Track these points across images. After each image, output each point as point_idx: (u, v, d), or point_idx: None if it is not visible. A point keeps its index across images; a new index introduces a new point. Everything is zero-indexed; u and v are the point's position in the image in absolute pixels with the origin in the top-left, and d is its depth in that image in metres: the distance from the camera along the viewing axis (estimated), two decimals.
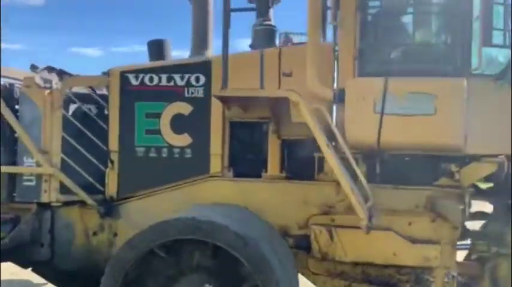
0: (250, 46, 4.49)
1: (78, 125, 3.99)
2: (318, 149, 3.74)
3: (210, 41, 4.64)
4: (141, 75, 3.98)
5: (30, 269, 4.19)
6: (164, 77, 3.96)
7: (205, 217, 2.94)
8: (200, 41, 4.59)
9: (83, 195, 3.92)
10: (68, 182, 3.90)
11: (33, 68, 4.54)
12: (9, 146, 3.99)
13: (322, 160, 3.75)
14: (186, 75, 3.93)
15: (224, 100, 3.64)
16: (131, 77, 4.00)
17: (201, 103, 3.90)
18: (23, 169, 3.94)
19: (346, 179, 2.98)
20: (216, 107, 3.88)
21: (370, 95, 3.28)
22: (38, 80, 3.96)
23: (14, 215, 3.89)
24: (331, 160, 3.01)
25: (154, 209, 3.89)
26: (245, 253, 2.84)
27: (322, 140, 3.01)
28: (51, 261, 4.01)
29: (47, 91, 3.95)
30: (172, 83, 3.95)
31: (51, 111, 3.94)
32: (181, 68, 3.96)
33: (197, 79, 3.92)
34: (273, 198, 3.74)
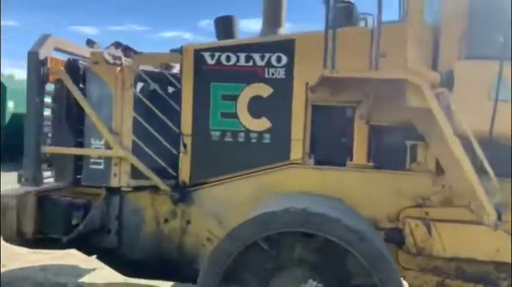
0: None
1: (150, 105, 3.74)
2: (411, 137, 3.56)
3: (283, 18, 4.34)
4: (217, 54, 3.72)
5: (94, 256, 4.00)
6: (242, 56, 3.69)
7: (315, 209, 2.70)
8: (273, 17, 4.29)
9: (156, 180, 3.69)
10: (141, 166, 3.67)
11: (90, 43, 4.29)
12: (74, 127, 3.76)
13: (415, 148, 3.53)
14: (267, 55, 3.66)
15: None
16: (207, 55, 3.74)
17: (282, 85, 3.65)
18: (92, 151, 3.72)
19: (473, 172, 2.73)
20: (299, 89, 3.63)
21: (484, 79, 3.01)
22: (106, 55, 3.70)
23: (86, 200, 3.67)
24: (458, 151, 2.75)
25: (229, 196, 3.69)
26: (361, 248, 2.62)
27: (448, 128, 2.75)
28: (118, 249, 3.81)
29: (118, 68, 3.70)
30: (251, 63, 3.69)
31: (122, 90, 3.69)
32: (262, 47, 3.69)
33: (278, 59, 3.65)
34: (362, 188, 3.50)
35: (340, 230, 2.63)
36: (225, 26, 4.31)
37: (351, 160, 3.62)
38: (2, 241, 3.63)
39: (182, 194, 3.71)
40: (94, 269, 5.09)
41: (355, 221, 2.78)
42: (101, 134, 3.70)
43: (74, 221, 3.51)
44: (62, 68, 3.72)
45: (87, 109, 3.67)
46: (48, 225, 3.55)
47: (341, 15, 4.06)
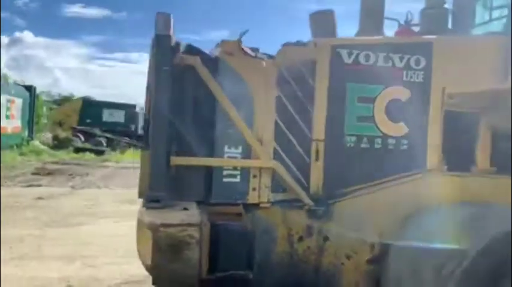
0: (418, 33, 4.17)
1: (290, 108, 3.22)
2: None
3: (382, 16, 4.13)
4: (355, 52, 3.38)
5: None
6: (381, 56, 3.43)
7: None
8: (372, 16, 4.05)
9: (300, 193, 3.20)
10: (288, 178, 3.14)
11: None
12: (203, 131, 3.03)
13: None
14: (406, 56, 3.46)
15: None
16: (344, 53, 3.37)
17: (420, 88, 3.50)
18: (239, 162, 3.04)
19: None
20: (436, 94, 3.52)
21: None
22: (244, 46, 3.06)
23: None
24: None
25: (369, 208, 3.40)
26: None
27: None
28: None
29: (262, 62, 3.08)
30: (390, 64, 3.45)
31: (265, 89, 3.09)
32: (401, 47, 3.47)
33: (417, 62, 3.48)
34: (497, 196, 3.56)
35: None
36: (326, 21, 3.93)
37: (476, 165, 3.65)
38: None
39: (326, 208, 3.29)
40: None
41: None
42: (238, 141, 3.06)
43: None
44: (198, 58, 2.94)
45: (232, 112, 2.98)
46: (229, 259, 2.78)
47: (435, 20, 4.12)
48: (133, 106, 38.75)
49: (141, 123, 36.61)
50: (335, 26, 4.00)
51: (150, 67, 2.96)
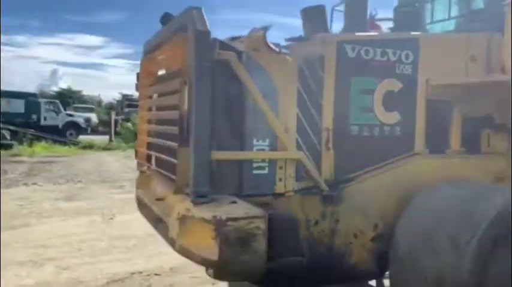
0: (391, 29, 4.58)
1: (307, 101, 3.41)
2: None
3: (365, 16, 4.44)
4: (358, 47, 3.66)
5: None
6: (379, 51, 3.75)
7: None
8: (355, 15, 4.35)
9: (319, 180, 3.43)
10: (312, 168, 3.34)
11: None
12: (235, 125, 3.10)
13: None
14: (398, 51, 3.83)
15: None
16: (348, 48, 3.63)
17: (409, 80, 3.90)
18: (271, 154, 3.17)
19: None
20: (422, 85, 3.95)
21: None
22: (269, 42, 3.17)
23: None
24: None
25: (373, 190, 3.75)
26: None
27: None
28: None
29: (287, 58, 3.22)
30: (386, 58, 3.79)
31: (289, 83, 3.25)
32: (394, 42, 3.83)
33: (407, 56, 3.87)
34: (470, 173, 4.10)
35: None
36: (319, 16, 4.14)
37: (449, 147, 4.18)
38: None
39: (339, 193, 3.56)
40: None
41: None
42: (266, 134, 3.18)
43: None
44: (234, 54, 2.98)
45: (264, 106, 3.08)
46: (284, 247, 2.88)
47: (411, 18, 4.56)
48: (35, 95, 35.71)
49: (44, 113, 34.01)
50: (326, 21, 4.25)
51: (185, 63, 2.95)
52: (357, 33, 3.83)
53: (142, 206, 4.23)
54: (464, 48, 4.05)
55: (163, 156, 3.54)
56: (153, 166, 4.12)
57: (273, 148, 3.26)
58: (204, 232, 2.76)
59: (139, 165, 4.48)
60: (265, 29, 3.24)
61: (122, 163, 17.05)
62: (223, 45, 3.05)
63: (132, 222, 6.79)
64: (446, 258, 3.11)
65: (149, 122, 4.32)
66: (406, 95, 3.90)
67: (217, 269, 2.76)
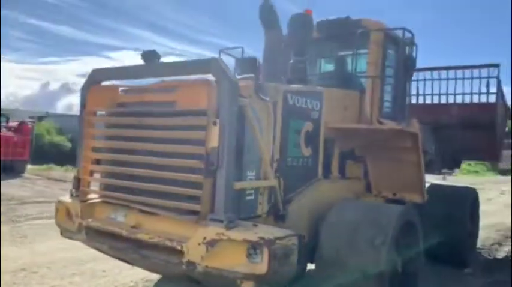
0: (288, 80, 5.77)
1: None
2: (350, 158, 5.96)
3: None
4: (294, 96, 4.67)
5: None
6: (303, 99, 4.86)
7: None
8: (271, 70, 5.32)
9: (279, 202, 4.25)
10: (277, 192, 4.13)
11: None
12: (239, 158, 3.66)
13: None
14: (310, 101, 4.99)
15: None
16: (289, 96, 4.59)
17: (317, 123, 5.11)
18: (267, 183, 3.91)
19: None
20: (323, 127, 5.23)
21: None
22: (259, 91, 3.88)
23: None
24: None
25: (300, 208, 4.75)
26: None
27: None
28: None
29: (267, 104, 3.96)
30: (306, 106, 4.91)
31: (269, 123, 4.02)
32: (308, 94, 4.96)
33: (316, 105, 5.09)
34: (343, 192, 5.58)
35: None
36: (252, 66, 4.94)
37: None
38: None
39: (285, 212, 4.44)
40: None
41: None
42: (254, 166, 3.83)
43: None
44: (247, 99, 3.54)
45: (261, 142, 3.73)
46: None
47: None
48: None
49: None
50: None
51: (212, 104, 3.39)
52: (293, 85, 4.84)
53: (93, 235, 4.10)
54: (343, 101, 5.57)
55: (162, 186, 3.70)
56: (115, 194, 4.08)
57: (257, 177, 3.94)
58: (238, 252, 3.25)
59: (82, 194, 4.26)
60: (257, 80, 3.93)
61: None
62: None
63: None
64: (367, 256, 4.35)
65: (100, 150, 4.25)
66: (315, 134, 5.11)
67: (262, 281, 3.27)
